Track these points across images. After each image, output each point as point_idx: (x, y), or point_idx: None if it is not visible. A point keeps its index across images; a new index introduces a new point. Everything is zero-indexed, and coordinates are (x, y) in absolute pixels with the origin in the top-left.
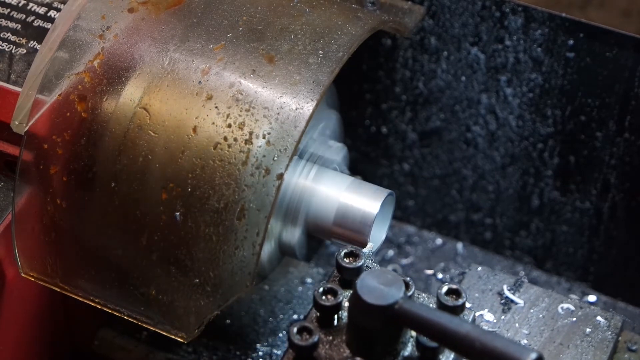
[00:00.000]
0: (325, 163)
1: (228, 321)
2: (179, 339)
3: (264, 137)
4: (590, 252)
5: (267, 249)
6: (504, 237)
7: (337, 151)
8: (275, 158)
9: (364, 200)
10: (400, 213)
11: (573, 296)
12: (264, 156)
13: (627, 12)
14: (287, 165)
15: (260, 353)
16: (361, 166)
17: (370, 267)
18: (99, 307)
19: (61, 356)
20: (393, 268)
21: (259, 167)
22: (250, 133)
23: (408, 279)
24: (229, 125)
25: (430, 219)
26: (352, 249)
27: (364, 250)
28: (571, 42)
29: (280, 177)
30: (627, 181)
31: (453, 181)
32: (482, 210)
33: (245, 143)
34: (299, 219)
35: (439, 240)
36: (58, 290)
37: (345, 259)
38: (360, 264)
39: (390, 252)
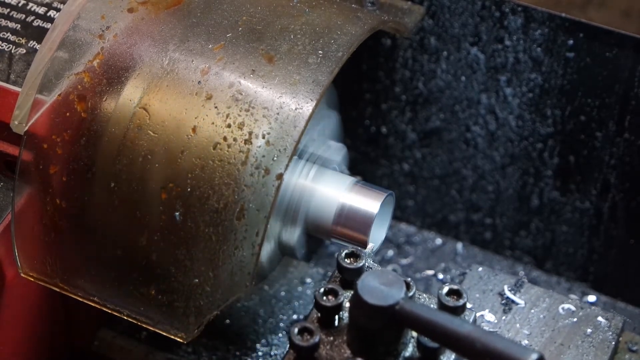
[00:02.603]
0: (325, 163)
1: (228, 321)
2: (178, 339)
3: (263, 137)
4: (590, 252)
5: (267, 249)
6: (504, 237)
7: (337, 151)
8: (275, 158)
9: (364, 200)
10: (400, 213)
11: (573, 296)
12: (263, 156)
13: (627, 12)
14: (287, 165)
15: (260, 353)
16: (361, 166)
17: (371, 268)
18: (99, 307)
19: (61, 356)
20: (393, 268)
21: (259, 167)
22: (250, 133)
23: (409, 279)
24: (229, 125)
25: (430, 219)
26: (352, 249)
27: (365, 250)
28: (571, 42)
29: (280, 177)
30: (627, 181)
31: (453, 181)
32: (482, 210)
33: (245, 143)
34: (298, 219)
35: (439, 240)
36: (58, 290)
37: (346, 260)
38: (361, 264)
39: (390, 252)
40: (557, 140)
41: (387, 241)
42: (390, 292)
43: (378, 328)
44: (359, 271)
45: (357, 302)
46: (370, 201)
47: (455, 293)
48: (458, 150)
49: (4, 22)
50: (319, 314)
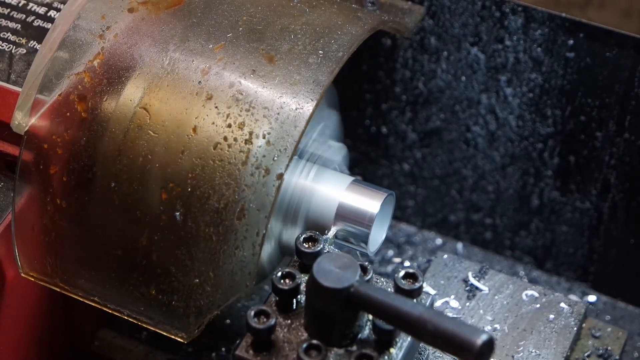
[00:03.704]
0: (325, 163)
1: (228, 321)
2: (179, 339)
3: (263, 137)
4: (590, 252)
5: (267, 249)
6: (504, 237)
7: (337, 151)
8: (275, 158)
9: (364, 200)
10: (400, 213)
11: (573, 296)
12: (263, 156)
13: (627, 12)
14: (287, 165)
15: None
16: (361, 166)
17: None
18: (99, 307)
19: (61, 356)
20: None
21: (259, 167)
22: (250, 133)
23: (366, 263)
24: (229, 125)
25: (430, 219)
26: (310, 233)
27: (325, 236)
28: (571, 42)
29: (280, 177)
30: (627, 181)
31: (453, 181)
32: (482, 210)
33: (245, 143)
34: (299, 219)
35: (439, 240)
36: (58, 290)
37: (304, 244)
38: (319, 248)
39: (390, 252)
40: (557, 140)
41: (387, 241)
42: (344, 275)
43: (333, 310)
44: (316, 255)
45: (313, 284)
46: (370, 201)
47: (411, 276)
48: (458, 150)
49: (4, 22)
50: (277, 298)
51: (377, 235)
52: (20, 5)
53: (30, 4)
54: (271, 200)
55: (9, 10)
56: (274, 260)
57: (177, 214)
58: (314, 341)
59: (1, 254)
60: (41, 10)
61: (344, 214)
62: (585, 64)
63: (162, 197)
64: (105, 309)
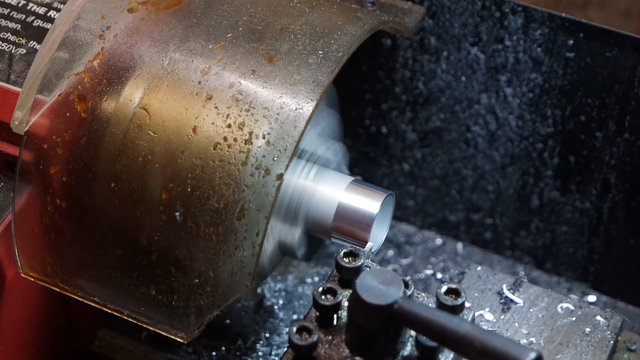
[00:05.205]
0: (325, 163)
1: (228, 321)
2: (178, 339)
3: (263, 137)
4: (590, 252)
5: (267, 249)
6: (504, 237)
7: (337, 151)
8: (275, 158)
9: (364, 201)
10: (400, 213)
11: (573, 296)
12: (263, 156)
13: (627, 12)
14: (287, 166)
15: (260, 353)
16: (361, 166)
17: (369, 267)
18: (99, 307)
19: (61, 356)
20: (393, 268)
21: (259, 167)
22: (250, 133)
23: (408, 278)
24: (229, 126)
25: (430, 219)
26: (351, 248)
27: (364, 250)
28: (571, 42)
29: (280, 177)
30: (627, 181)
31: (453, 181)
32: (482, 210)
33: (245, 143)
34: (299, 219)
35: (438, 240)
36: (58, 290)
37: (344, 259)
38: (359, 263)
39: (390, 252)
40: (557, 141)
41: (387, 241)
42: (388, 291)
43: (376, 327)
44: (357, 270)
45: (356, 301)
46: (370, 201)
47: (453, 292)
48: (458, 151)
49: (4, 22)
50: (318, 313)
51: (377, 236)
52: (20, 5)
53: (30, 4)
54: (271, 201)
55: (8, 10)
56: (274, 260)
57: (177, 214)
58: (357, 358)
59: (1, 254)
60: (41, 10)
61: (343, 214)
62: (585, 64)
63: (162, 197)
64: (105, 309)
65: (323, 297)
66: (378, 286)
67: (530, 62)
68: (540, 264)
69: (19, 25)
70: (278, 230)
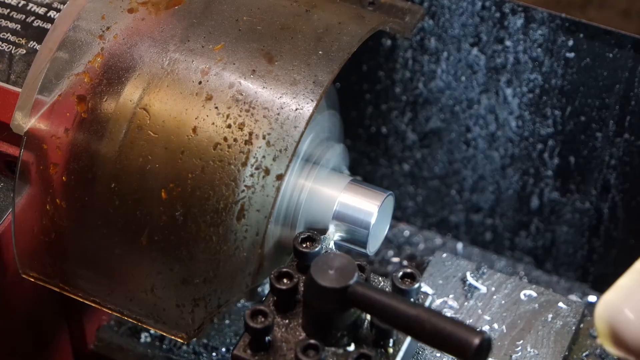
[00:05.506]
0: (325, 163)
1: (228, 321)
2: (179, 339)
3: (263, 138)
4: (590, 253)
5: (267, 249)
6: (504, 237)
7: (337, 151)
8: (275, 158)
9: (364, 201)
10: (400, 213)
11: (573, 296)
12: (263, 157)
13: (627, 12)
14: (287, 166)
15: None
16: (361, 166)
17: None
18: (99, 307)
19: (61, 356)
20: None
21: (259, 168)
22: (250, 133)
23: (364, 262)
24: (229, 126)
25: (430, 219)
26: (309, 233)
27: (324, 235)
28: (571, 42)
29: (280, 177)
30: (627, 181)
31: (453, 181)
32: (482, 210)
33: (245, 143)
34: (298, 219)
35: (438, 240)
36: (58, 290)
37: (302, 244)
38: (317, 249)
39: (390, 252)
40: (557, 141)
41: (387, 241)
42: (343, 274)
43: (331, 310)
44: (315, 255)
45: (311, 284)
46: (369, 201)
47: (409, 276)
48: (458, 151)
49: (4, 23)
50: (275, 298)
51: (377, 236)
52: (20, 5)
53: (30, 5)
54: (271, 201)
55: (8, 10)
56: (274, 261)
57: (177, 214)
58: (312, 341)
59: (1, 254)
60: (41, 10)
61: (343, 214)
62: (585, 64)
63: (162, 197)
64: (105, 309)
65: (279, 281)
66: (333, 270)
67: (530, 62)
68: (540, 264)
69: (19, 26)
70: (277, 230)
